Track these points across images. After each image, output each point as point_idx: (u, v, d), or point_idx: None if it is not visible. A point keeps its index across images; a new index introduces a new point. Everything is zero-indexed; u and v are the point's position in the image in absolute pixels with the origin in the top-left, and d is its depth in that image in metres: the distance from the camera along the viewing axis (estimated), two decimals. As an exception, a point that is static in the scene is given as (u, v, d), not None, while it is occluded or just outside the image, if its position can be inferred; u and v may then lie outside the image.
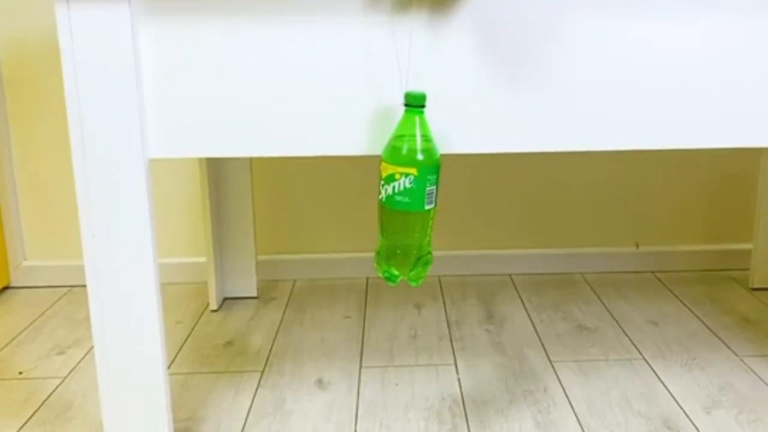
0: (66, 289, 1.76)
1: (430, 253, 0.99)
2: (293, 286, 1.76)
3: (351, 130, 0.91)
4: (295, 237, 1.80)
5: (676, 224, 1.83)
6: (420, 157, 0.91)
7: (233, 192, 1.60)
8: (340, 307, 1.62)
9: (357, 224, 1.80)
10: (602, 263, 1.82)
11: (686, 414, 1.15)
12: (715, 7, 0.89)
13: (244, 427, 1.14)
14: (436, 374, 1.30)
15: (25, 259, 1.79)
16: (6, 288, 1.77)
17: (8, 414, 1.19)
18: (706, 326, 1.49)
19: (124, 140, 0.90)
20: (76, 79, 0.88)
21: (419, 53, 0.89)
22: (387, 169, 0.92)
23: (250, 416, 1.17)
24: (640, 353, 1.37)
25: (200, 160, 1.53)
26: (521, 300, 1.65)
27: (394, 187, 0.92)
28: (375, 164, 1.76)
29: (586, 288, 1.71)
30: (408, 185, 0.92)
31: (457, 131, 0.92)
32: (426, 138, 0.91)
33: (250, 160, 1.62)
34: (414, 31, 0.88)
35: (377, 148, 0.92)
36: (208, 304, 1.64)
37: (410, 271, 0.97)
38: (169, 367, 1.35)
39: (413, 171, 0.91)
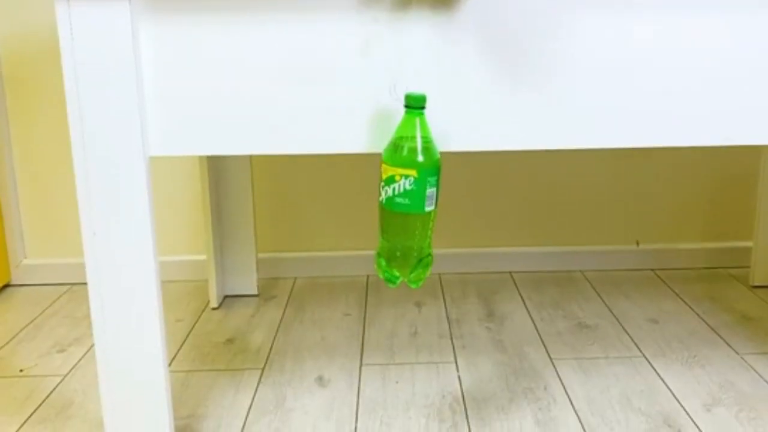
0: (66, 287, 1.76)
1: (430, 254, 0.98)
2: (293, 283, 1.76)
3: (351, 127, 0.91)
4: (296, 235, 1.80)
5: (677, 222, 1.83)
6: (420, 158, 0.91)
7: (233, 190, 1.60)
8: (341, 304, 1.62)
9: (357, 222, 1.80)
10: (602, 261, 1.82)
11: (686, 412, 1.16)
12: (715, 4, 0.89)
13: (244, 424, 1.14)
14: (436, 372, 1.30)
15: (26, 257, 1.79)
16: (6, 286, 1.77)
17: (9, 412, 1.19)
18: (707, 324, 1.49)
19: (125, 138, 0.90)
20: (76, 77, 0.88)
21: (420, 51, 0.89)
22: (387, 171, 0.92)
23: (250, 414, 1.17)
24: (641, 351, 1.37)
25: (200, 158, 1.53)
26: (521, 298, 1.65)
27: (394, 189, 0.92)
28: (375, 162, 1.76)
29: (587, 286, 1.71)
30: (408, 187, 0.92)
31: (459, 129, 0.92)
32: (426, 139, 0.91)
33: (251, 158, 1.62)
34: (414, 29, 0.88)
35: (377, 146, 0.92)
36: (208, 301, 1.64)
37: (411, 272, 0.97)
38: (169, 364, 1.35)
39: (413, 173, 0.91)
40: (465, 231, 1.81)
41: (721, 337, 1.42)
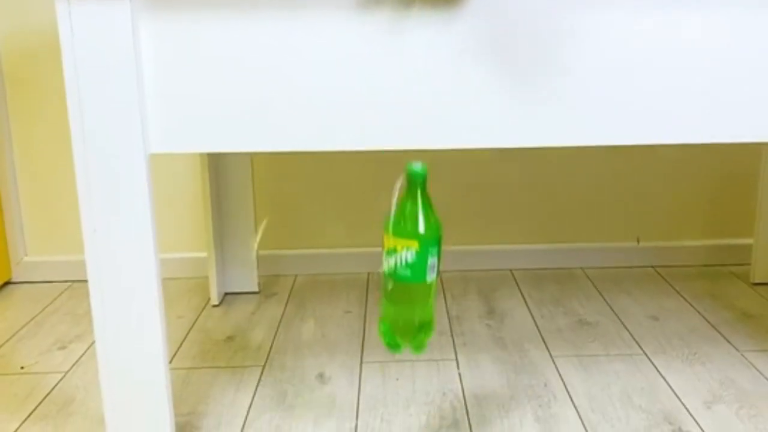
0: (67, 284, 1.76)
1: (432, 321, 0.99)
2: (294, 281, 1.76)
3: (351, 125, 0.91)
4: (296, 232, 1.80)
5: (677, 219, 1.82)
6: (421, 230, 0.93)
7: (234, 187, 1.60)
8: (341, 302, 1.62)
9: (358, 219, 1.80)
10: (603, 258, 1.82)
11: (687, 409, 1.16)
12: (717, 1, 0.88)
13: (245, 421, 1.14)
14: (437, 369, 1.30)
15: (26, 255, 1.79)
16: (7, 283, 1.77)
17: (10, 409, 1.19)
18: (707, 321, 1.49)
19: (125, 135, 0.90)
20: (76, 75, 0.88)
21: (425, 49, 0.89)
22: (389, 242, 0.94)
23: (251, 411, 1.17)
24: (641, 348, 1.37)
25: (201, 155, 1.53)
26: (522, 295, 1.65)
27: (396, 261, 0.94)
28: (375, 160, 1.76)
29: (587, 283, 1.71)
30: (410, 259, 0.93)
31: (466, 126, 0.91)
32: (427, 211, 0.93)
33: (251, 155, 1.62)
34: (418, 27, 0.88)
35: (377, 143, 0.92)
36: (209, 299, 1.64)
37: (413, 339, 0.98)
38: (170, 362, 1.35)
39: (414, 245, 0.93)
40: (465, 228, 1.81)
41: (721, 335, 1.42)
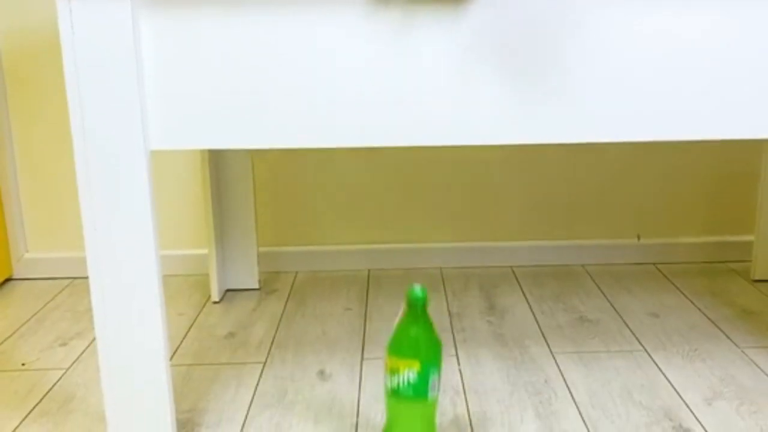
0: (68, 281, 1.76)
1: None
2: (295, 277, 1.76)
3: (351, 121, 0.91)
4: (297, 229, 1.80)
5: (678, 216, 1.82)
6: (423, 352, 0.96)
7: (235, 184, 1.60)
8: (342, 298, 1.62)
9: (358, 216, 1.80)
10: (604, 255, 1.82)
11: (687, 405, 1.16)
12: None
13: (246, 418, 1.15)
14: (437, 366, 1.30)
15: (27, 251, 1.79)
16: (8, 280, 1.77)
17: (11, 405, 1.19)
18: (708, 318, 1.49)
19: (125, 132, 0.90)
20: (77, 72, 0.88)
21: (430, 47, 0.89)
22: (392, 363, 0.98)
23: (251, 408, 1.18)
24: (642, 345, 1.37)
25: (202, 152, 1.54)
26: (522, 291, 1.65)
27: (398, 380, 0.98)
28: (376, 157, 1.76)
29: (588, 280, 1.71)
30: (412, 379, 0.98)
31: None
32: (428, 332, 0.97)
33: (251, 151, 1.62)
34: (423, 26, 0.88)
35: (378, 140, 0.92)
36: (209, 295, 1.65)
37: None
38: (171, 358, 1.35)
39: (416, 365, 0.97)
40: (466, 225, 1.81)
41: (722, 331, 1.42)
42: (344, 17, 0.88)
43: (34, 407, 1.19)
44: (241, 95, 0.90)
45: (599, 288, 1.66)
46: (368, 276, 1.76)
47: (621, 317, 1.50)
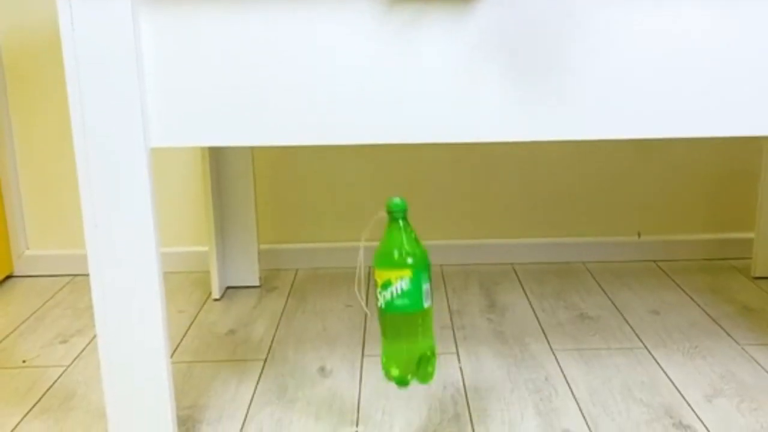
0: (68, 278, 1.76)
1: (434, 348, 1.01)
2: (295, 275, 1.76)
3: (351, 118, 0.91)
4: (297, 226, 1.80)
5: (678, 213, 1.82)
6: (413, 258, 0.96)
7: (235, 181, 1.60)
8: (342, 295, 1.62)
9: (359, 213, 1.80)
10: (604, 252, 1.82)
11: (688, 402, 1.16)
12: (718, -6, 0.88)
13: (246, 415, 1.15)
14: (438, 363, 1.30)
15: (28, 248, 1.79)
16: (9, 277, 1.77)
17: (12, 402, 1.20)
18: (708, 315, 1.49)
19: (126, 129, 0.90)
20: (77, 69, 0.88)
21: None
22: (382, 276, 0.97)
23: (252, 405, 1.18)
24: (642, 342, 1.37)
25: (202, 149, 1.53)
26: (523, 289, 1.65)
27: (392, 292, 0.97)
28: (377, 153, 1.76)
29: (588, 277, 1.71)
30: (405, 287, 0.97)
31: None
32: (413, 240, 0.97)
33: (252, 149, 1.62)
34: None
35: (378, 137, 0.92)
36: (210, 293, 1.65)
37: (419, 370, 1.00)
38: (171, 355, 1.35)
39: (408, 273, 0.96)
40: (467, 222, 1.81)
41: (722, 328, 1.42)
42: (345, 15, 0.88)
43: (34, 404, 1.19)
44: (241, 92, 0.90)
45: (600, 285, 1.66)
46: (369, 273, 1.76)
47: (621, 314, 1.50)
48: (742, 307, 1.52)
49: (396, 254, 0.97)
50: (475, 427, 1.10)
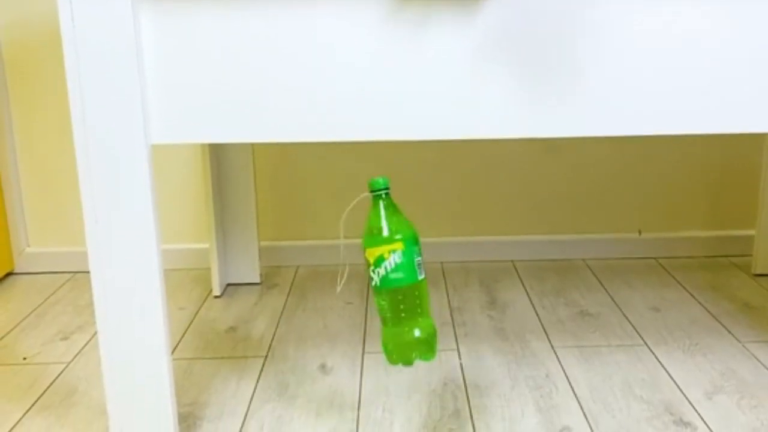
0: (69, 275, 1.76)
1: (433, 323, 1.02)
2: (296, 272, 1.76)
3: (353, 115, 0.91)
4: (298, 223, 1.80)
5: (679, 210, 1.82)
6: (402, 231, 0.98)
7: (236, 178, 1.60)
8: (343, 293, 1.62)
9: (360, 210, 1.80)
10: (605, 249, 1.82)
11: (688, 399, 1.16)
12: (719, -9, 0.88)
13: (247, 412, 1.15)
14: (438, 359, 1.30)
15: (29, 246, 1.79)
16: (9, 274, 1.77)
17: (13, 399, 1.20)
18: (709, 312, 1.49)
19: (126, 126, 0.90)
20: (77, 65, 0.88)
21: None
22: (374, 253, 0.98)
23: (253, 401, 1.18)
24: (643, 339, 1.37)
25: (203, 146, 1.53)
26: (523, 286, 1.65)
27: (385, 267, 0.98)
28: (377, 150, 1.76)
29: (589, 274, 1.71)
30: (398, 260, 0.98)
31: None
32: (399, 215, 0.99)
33: (253, 146, 1.62)
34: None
35: (380, 134, 0.92)
36: (211, 290, 1.65)
37: (421, 347, 1.00)
38: (172, 352, 1.35)
39: (399, 246, 0.97)
40: (467, 219, 1.81)
41: (722, 326, 1.42)
42: (346, 12, 0.88)
43: (35, 401, 1.19)
44: (242, 89, 0.90)
45: (600, 282, 1.66)
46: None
47: (622, 311, 1.50)
48: (743, 305, 1.52)
49: (385, 230, 0.98)
50: (476, 423, 1.10)
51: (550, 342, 1.36)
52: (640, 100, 0.91)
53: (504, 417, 1.12)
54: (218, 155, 1.58)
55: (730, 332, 1.39)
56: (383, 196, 1.00)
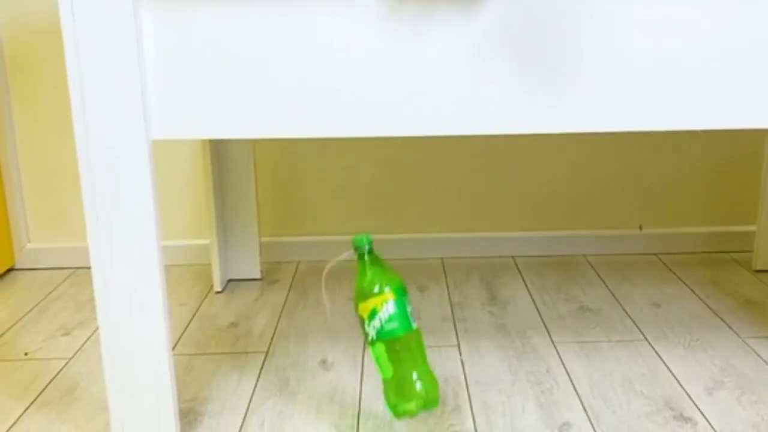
0: (70, 271, 1.76)
1: (432, 372, 1.04)
2: (297, 268, 1.76)
3: (352, 111, 0.91)
4: (299, 219, 1.80)
5: (680, 206, 1.82)
6: (389, 286, 1.01)
7: (236, 174, 1.60)
8: (344, 288, 1.62)
9: (360, 206, 1.80)
10: (605, 245, 1.82)
11: (688, 395, 1.16)
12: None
13: (248, 407, 1.15)
14: (439, 355, 1.30)
15: (29, 241, 1.80)
16: (10, 270, 1.78)
17: (14, 395, 1.20)
18: (709, 308, 1.49)
19: (127, 122, 0.90)
20: (78, 61, 0.88)
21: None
22: (367, 308, 1.02)
23: (254, 397, 1.18)
24: (643, 335, 1.37)
25: (203, 142, 1.53)
26: (524, 282, 1.65)
27: (380, 319, 1.01)
28: (378, 147, 1.75)
29: (589, 270, 1.71)
30: (392, 310, 1.01)
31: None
32: (385, 269, 1.02)
33: (253, 142, 1.62)
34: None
35: (379, 130, 0.92)
36: (212, 285, 1.65)
37: (423, 396, 1.03)
38: (173, 348, 1.35)
39: (390, 296, 1.01)
40: (467, 215, 1.81)
41: (723, 321, 1.42)
42: (346, 9, 0.87)
43: (37, 396, 1.19)
44: (242, 85, 0.90)
45: (601, 278, 1.66)
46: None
47: (622, 307, 1.50)
48: (744, 300, 1.52)
49: (374, 284, 1.02)
50: (476, 419, 1.10)
51: (550, 337, 1.37)
52: (641, 95, 0.91)
53: (505, 413, 1.12)
54: (219, 151, 1.58)
55: (730, 328, 1.39)
56: (368, 253, 1.04)
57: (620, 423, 1.09)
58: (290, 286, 1.64)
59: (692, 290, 1.58)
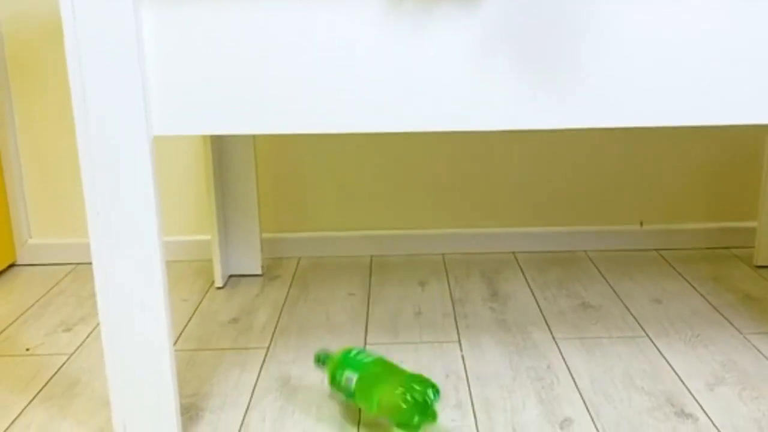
0: (71, 267, 1.76)
1: (420, 379, 1.04)
2: (298, 263, 1.76)
3: (353, 107, 0.91)
4: (300, 215, 1.80)
5: (681, 202, 1.82)
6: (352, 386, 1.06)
7: (237, 170, 1.60)
8: (345, 284, 1.62)
9: (361, 202, 1.80)
10: (606, 241, 1.82)
11: (689, 391, 1.16)
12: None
13: (249, 403, 1.15)
14: (440, 351, 1.30)
15: (31, 237, 1.80)
16: (12, 265, 1.78)
17: (16, 390, 1.20)
18: (710, 304, 1.49)
19: (128, 118, 0.90)
20: (79, 58, 0.88)
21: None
22: (331, 380, 1.10)
23: (255, 392, 1.18)
24: (644, 331, 1.37)
25: (204, 137, 1.53)
26: (525, 278, 1.65)
27: (345, 377, 1.08)
28: (379, 143, 1.75)
29: (590, 266, 1.71)
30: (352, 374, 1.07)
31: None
32: (340, 366, 1.08)
33: (254, 137, 1.62)
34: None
35: (380, 125, 0.92)
36: (213, 281, 1.65)
37: (425, 411, 1.02)
38: (174, 343, 1.35)
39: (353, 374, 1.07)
40: (469, 211, 1.81)
41: (724, 317, 1.42)
42: (346, 6, 0.87)
43: (38, 392, 1.20)
44: (243, 80, 0.90)
45: (602, 274, 1.66)
46: (371, 262, 1.76)
47: (623, 303, 1.50)
48: (745, 296, 1.52)
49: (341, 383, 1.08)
50: (477, 414, 1.10)
51: (551, 333, 1.37)
52: (641, 91, 0.91)
53: (505, 408, 1.12)
54: (220, 147, 1.58)
55: (731, 324, 1.39)
56: (327, 362, 1.12)
57: (621, 419, 1.09)
58: (291, 282, 1.64)
59: (693, 286, 1.58)
